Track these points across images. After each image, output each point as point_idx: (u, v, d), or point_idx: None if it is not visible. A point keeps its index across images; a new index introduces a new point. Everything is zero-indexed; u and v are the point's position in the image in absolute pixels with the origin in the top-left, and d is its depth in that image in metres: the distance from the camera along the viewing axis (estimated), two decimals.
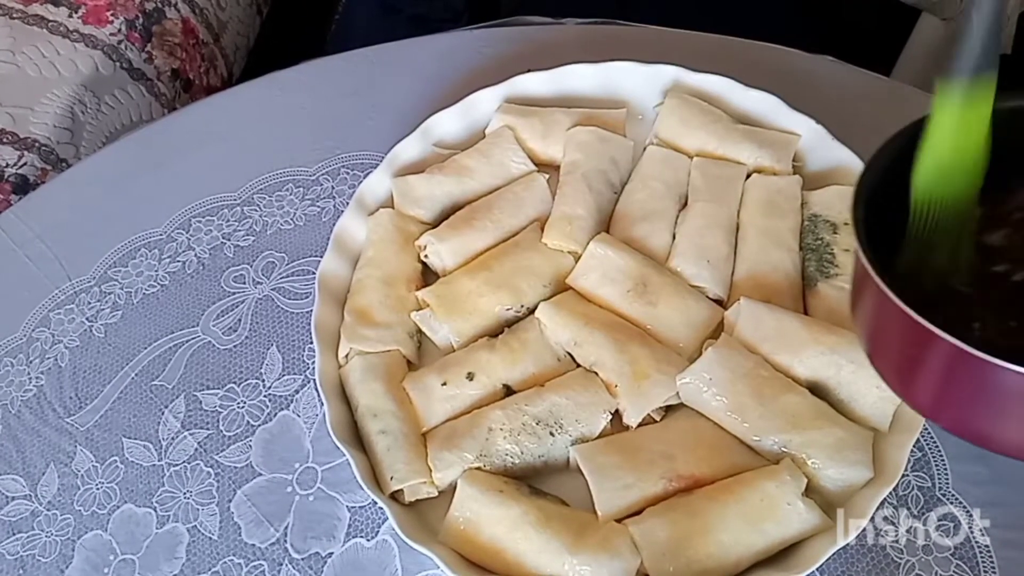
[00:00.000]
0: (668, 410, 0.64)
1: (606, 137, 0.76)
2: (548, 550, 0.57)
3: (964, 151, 0.48)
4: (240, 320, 0.76)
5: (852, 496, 0.58)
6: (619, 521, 0.59)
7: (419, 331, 0.70)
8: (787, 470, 0.58)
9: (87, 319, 0.78)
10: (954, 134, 0.47)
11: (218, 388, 0.73)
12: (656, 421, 0.64)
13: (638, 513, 0.59)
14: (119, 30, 1.18)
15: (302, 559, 0.64)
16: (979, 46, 0.45)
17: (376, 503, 0.59)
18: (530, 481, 0.63)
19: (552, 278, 0.70)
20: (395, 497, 0.61)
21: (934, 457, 0.63)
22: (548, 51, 0.84)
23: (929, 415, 0.51)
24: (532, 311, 0.69)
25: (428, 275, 0.74)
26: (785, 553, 0.58)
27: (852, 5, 1.36)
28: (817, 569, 0.55)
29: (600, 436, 0.63)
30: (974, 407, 0.46)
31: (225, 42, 1.38)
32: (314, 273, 0.72)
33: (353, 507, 0.66)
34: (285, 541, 0.65)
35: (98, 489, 0.69)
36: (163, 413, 0.72)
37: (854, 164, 0.71)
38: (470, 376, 0.65)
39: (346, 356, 0.68)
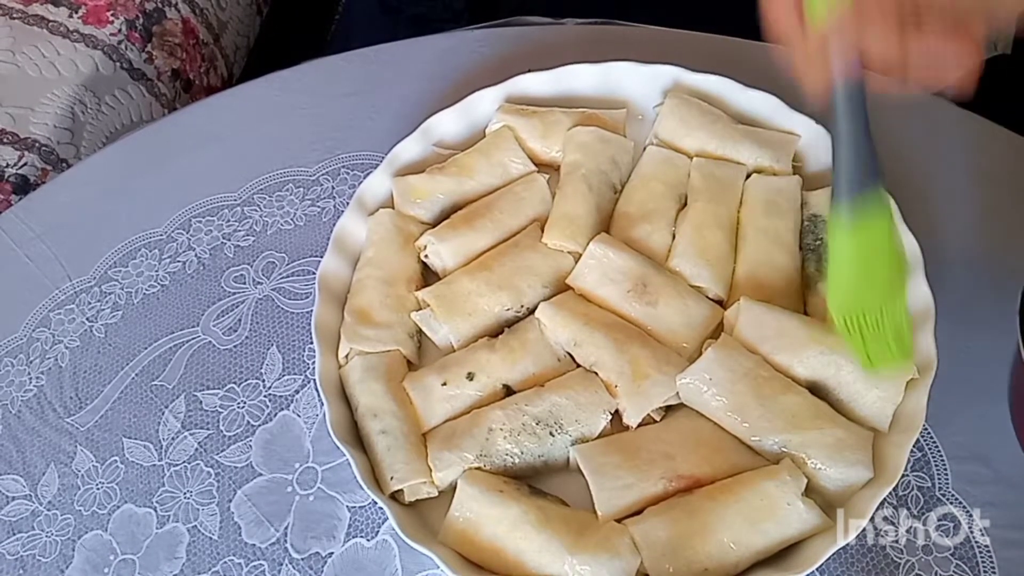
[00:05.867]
0: (668, 410, 0.64)
1: (606, 137, 0.76)
2: (548, 550, 0.57)
3: (869, 267, 0.50)
4: (240, 320, 0.76)
5: (852, 496, 0.58)
6: (619, 521, 0.59)
7: (419, 331, 0.70)
8: (787, 470, 0.58)
9: (87, 319, 0.78)
10: (853, 255, 0.49)
11: (218, 388, 0.73)
12: (656, 421, 0.64)
13: (638, 513, 0.59)
14: (119, 30, 1.18)
15: (302, 559, 0.64)
16: (849, 168, 0.48)
17: (376, 503, 0.59)
18: (530, 481, 0.63)
19: (552, 278, 0.70)
20: (395, 497, 0.61)
21: (934, 457, 0.63)
22: (548, 51, 0.84)
23: None
24: (532, 311, 0.69)
25: (428, 275, 0.74)
26: (785, 553, 0.58)
27: None
28: (817, 569, 0.55)
29: (600, 436, 0.63)
30: None
31: (225, 42, 1.37)
32: (314, 273, 0.72)
33: (353, 507, 0.66)
34: (285, 541, 0.65)
35: (98, 489, 0.69)
36: (163, 413, 0.72)
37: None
38: (470, 376, 0.65)
39: (346, 356, 0.68)
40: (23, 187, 1.04)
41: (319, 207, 0.82)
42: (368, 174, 0.76)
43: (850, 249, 0.49)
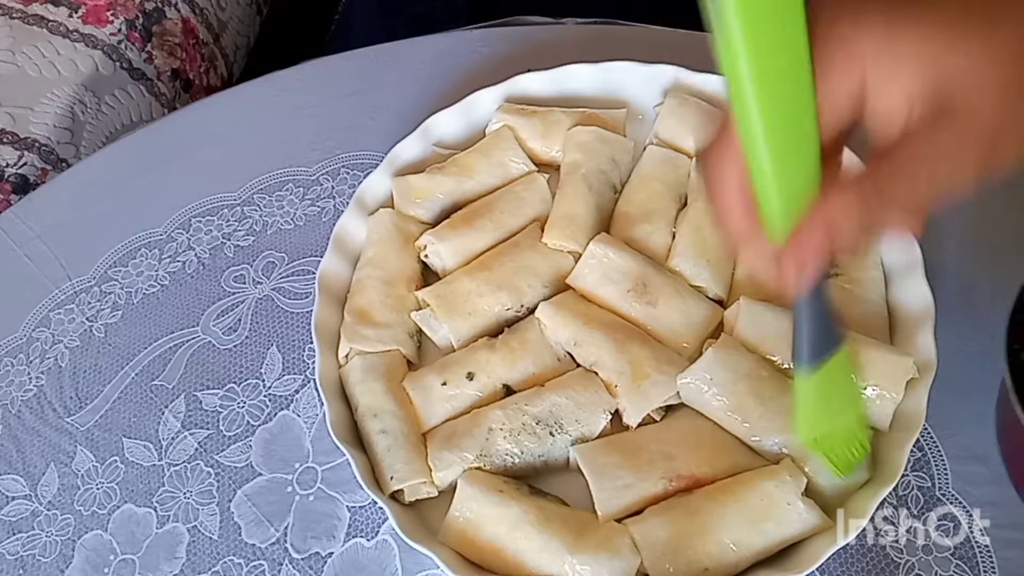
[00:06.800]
0: (668, 410, 0.64)
1: (606, 137, 0.76)
2: (548, 550, 0.57)
3: (828, 397, 0.54)
4: (240, 320, 0.76)
5: (852, 496, 0.58)
6: (619, 521, 0.59)
7: (419, 331, 0.70)
8: (787, 470, 0.58)
9: (87, 319, 0.78)
10: (814, 392, 0.53)
11: (218, 388, 0.73)
12: (656, 421, 0.64)
13: (638, 513, 0.59)
14: (119, 30, 1.18)
15: (302, 559, 0.64)
16: (811, 342, 0.51)
17: (376, 503, 0.59)
18: (530, 481, 0.63)
19: (552, 278, 0.70)
20: (395, 497, 0.61)
21: (934, 457, 0.63)
22: (548, 51, 0.84)
23: None
24: (532, 311, 0.69)
25: (428, 275, 0.74)
26: (785, 553, 0.58)
27: None
28: (817, 569, 0.55)
29: (600, 436, 0.63)
30: None
31: (225, 42, 1.37)
32: (314, 273, 0.72)
33: (353, 507, 0.66)
34: (285, 541, 0.65)
35: (98, 489, 0.69)
36: (163, 413, 0.72)
37: (854, 164, 0.71)
38: (470, 376, 0.65)
39: (346, 356, 0.68)
40: (23, 187, 1.04)
41: (319, 207, 0.82)
42: (368, 174, 0.76)
43: (812, 388, 0.53)
